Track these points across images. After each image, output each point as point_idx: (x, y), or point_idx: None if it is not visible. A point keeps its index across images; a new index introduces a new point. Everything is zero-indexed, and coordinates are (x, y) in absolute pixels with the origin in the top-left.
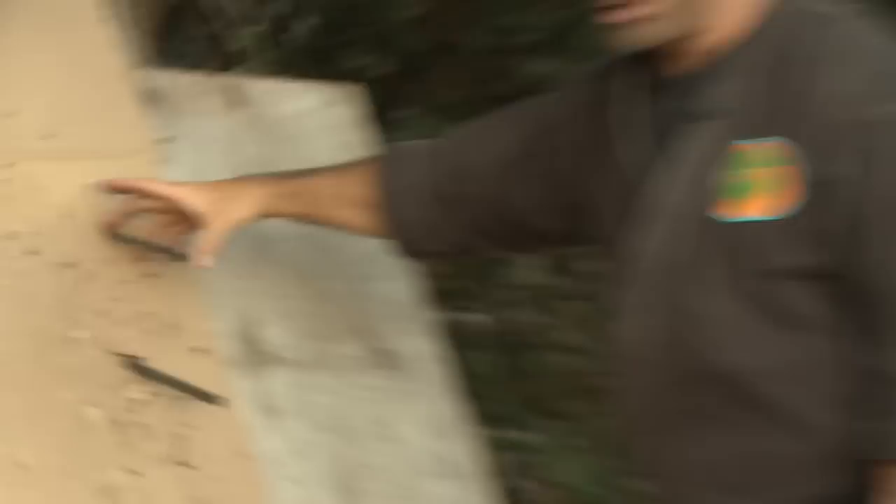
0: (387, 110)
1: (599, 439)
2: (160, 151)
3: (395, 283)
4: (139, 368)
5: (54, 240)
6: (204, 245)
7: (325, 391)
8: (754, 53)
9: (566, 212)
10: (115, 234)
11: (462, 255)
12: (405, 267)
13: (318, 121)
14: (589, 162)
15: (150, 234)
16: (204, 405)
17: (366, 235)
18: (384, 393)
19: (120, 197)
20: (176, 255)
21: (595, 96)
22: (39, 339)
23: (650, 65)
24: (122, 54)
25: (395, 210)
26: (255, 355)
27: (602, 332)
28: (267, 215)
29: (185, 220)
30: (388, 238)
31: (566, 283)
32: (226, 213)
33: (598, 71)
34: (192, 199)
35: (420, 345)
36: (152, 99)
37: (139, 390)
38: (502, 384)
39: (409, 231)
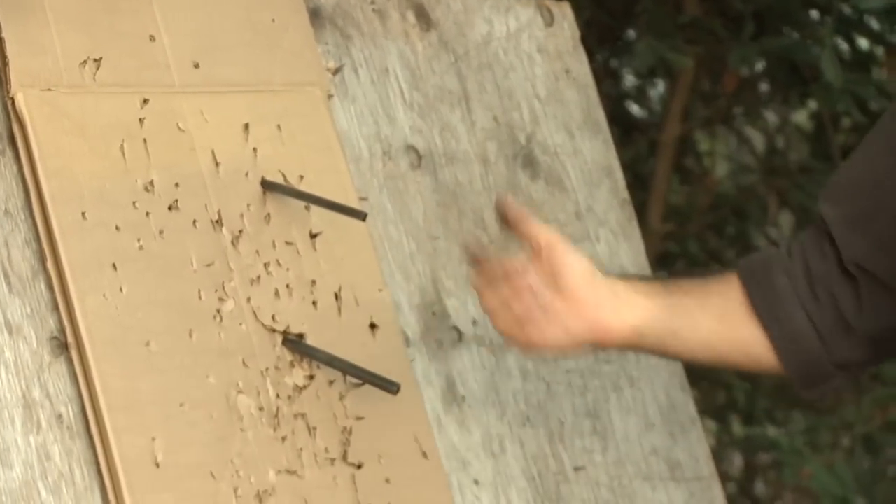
0: (607, 31)
1: (866, 437)
2: (327, 84)
3: (608, 244)
4: (299, 348)
5: (197, 192)
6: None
7: (522, 376)
8: None
9: None
10: (268, 183)
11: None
12: (626, 219)
13: (521, 46)
14: None
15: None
16: (378, 393)
17: (753, 367)
18: (596, 379)
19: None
20: (345, 211)
21: None
22: (181, 311)
23: None
24: None
25: (778, 321)
26: (438, 332)
27: None
28: (641, 336)
29: None
30: (782, 368)
31: None
32: (611, 313)
33: None
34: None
35: None
36: (318, 19)
37: (299, 375)
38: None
39: (804, 340)
